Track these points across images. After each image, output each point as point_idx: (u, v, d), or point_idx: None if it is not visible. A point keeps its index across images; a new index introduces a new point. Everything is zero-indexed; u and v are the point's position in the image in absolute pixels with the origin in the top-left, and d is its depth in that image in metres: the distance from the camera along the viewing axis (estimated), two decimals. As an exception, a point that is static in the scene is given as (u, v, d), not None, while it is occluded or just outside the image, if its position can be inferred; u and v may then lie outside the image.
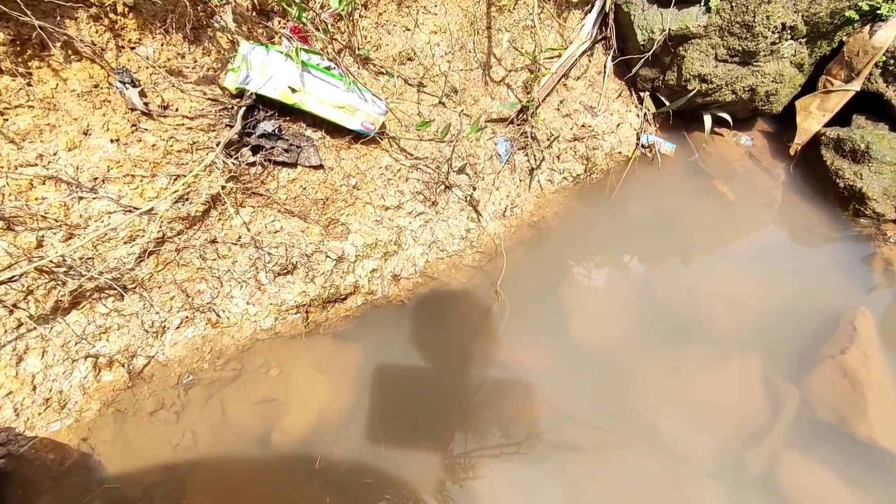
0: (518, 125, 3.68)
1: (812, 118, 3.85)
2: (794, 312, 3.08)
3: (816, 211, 3.63)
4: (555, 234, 3.50)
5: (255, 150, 2.65)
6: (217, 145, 2.46)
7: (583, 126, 3.93)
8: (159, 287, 2.61)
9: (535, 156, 3.68)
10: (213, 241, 2.69)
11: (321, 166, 2.89)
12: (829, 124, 3.83)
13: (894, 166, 3.38)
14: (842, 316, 2.95)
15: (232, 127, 2.52)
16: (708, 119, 4.03)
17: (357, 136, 3.02)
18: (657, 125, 4.19)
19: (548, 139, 3.72)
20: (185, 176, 2.47)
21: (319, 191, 2.89)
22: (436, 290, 3.12)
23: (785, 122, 4.19)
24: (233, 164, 2.52)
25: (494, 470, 2.52)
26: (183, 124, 2.52)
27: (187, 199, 2.55)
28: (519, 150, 3.66)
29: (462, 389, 2.80)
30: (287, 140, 2.75)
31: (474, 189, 3.38)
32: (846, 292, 3.12)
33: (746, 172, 3.98)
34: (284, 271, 2.74)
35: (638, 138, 4.07)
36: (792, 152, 4.00)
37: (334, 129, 3.00)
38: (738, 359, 2.87)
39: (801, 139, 3.93)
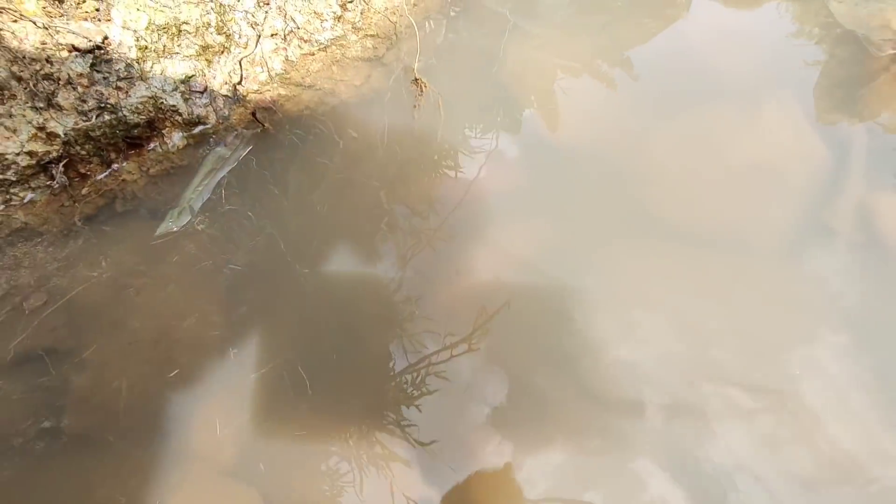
0: None
1: None
2: (815, 31, 2.26)
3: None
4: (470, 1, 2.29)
5: None
6: None
7: None
8: None
9: None
10: None
11: None
12: None
13: None
14: (870, 20, 2.17)
15: None
16: None
17: None
18: None
19: None
20: None
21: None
22: (315, 104, 1.83)
23: None
24: None
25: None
26: None
27: None
28: None
29: (399, 254, 1.65)
30: None
31: (335, -66, 2.00)
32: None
33: None
34: (-19, 97, 1.28)
35: None
36: None
37: None
38: (772, 103, 2.02)
39: None
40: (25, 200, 1.36)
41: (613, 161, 1.91)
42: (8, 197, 1.33)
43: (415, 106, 1.84)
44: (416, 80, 1.85)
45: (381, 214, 1.65)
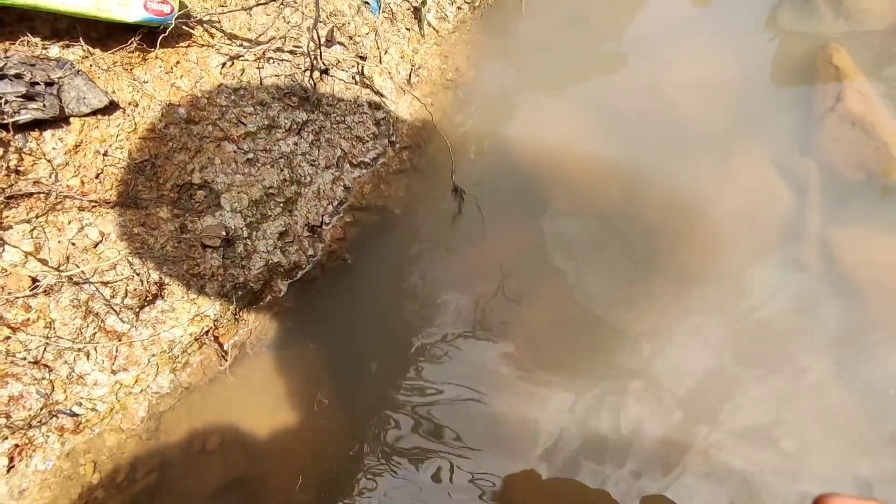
0: (372, -48, 2.52)
1: None
2: (769, 77, 2.66)
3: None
4: (478, 88, 2.63)
5: (-37, 117, 1.34)
6: None
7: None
8: (-71, 427, 1.41)
9: (412, -11, 2.61)
10: (-13, 308, 1.47)
11: (113, 105, 1.64)
12: None
13: None
14: (814, 60, 2.57)
15: None
16: None
17: (149, 34, 1.75)
18: None
19: (417, -40, 2.63)
20: None
21: (133, 147, 1.68)
22: (376, 224, 2.19)
23: None
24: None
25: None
26: None
27: None
28: (389, -13, 2.55)
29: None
30: (20, 78, 1.44)
31: (362, 61, 2.30)
32: (806, 33, 2.73)
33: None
34: (147, 298, 1.63)
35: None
36: None
37: (103, 34, 1.70)
38: (740, 152, 2.43)
39: None
40: (191, 364, 1.73)
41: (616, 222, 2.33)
42: (177, 365, 1.70)
43: (459, 211, 2.22)
44: (455, 188, 2.21)
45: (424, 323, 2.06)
